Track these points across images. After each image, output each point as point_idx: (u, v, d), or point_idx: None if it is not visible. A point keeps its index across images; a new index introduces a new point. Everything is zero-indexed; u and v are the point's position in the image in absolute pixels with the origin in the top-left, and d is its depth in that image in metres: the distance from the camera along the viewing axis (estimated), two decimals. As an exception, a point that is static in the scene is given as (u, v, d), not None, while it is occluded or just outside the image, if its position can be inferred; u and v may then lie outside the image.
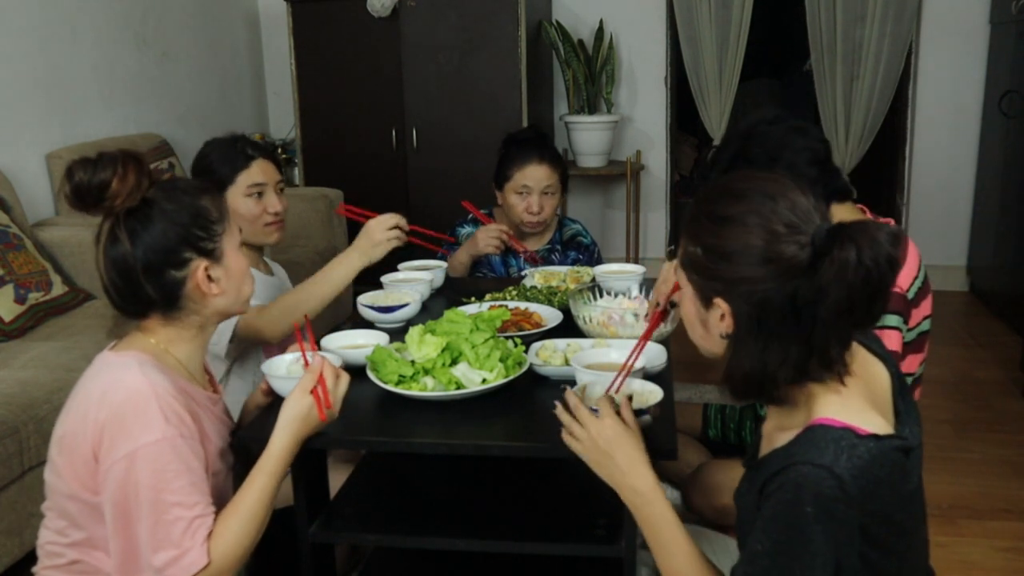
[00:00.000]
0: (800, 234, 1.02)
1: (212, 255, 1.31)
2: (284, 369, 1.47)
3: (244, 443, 1.40)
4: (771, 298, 1.02)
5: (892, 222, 1.73)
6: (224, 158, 2.04)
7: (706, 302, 1.09)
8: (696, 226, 1.10)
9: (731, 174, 1.15)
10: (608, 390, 1.32)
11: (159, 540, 1.18)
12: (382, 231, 1.89)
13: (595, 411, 1.22)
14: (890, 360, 1.18)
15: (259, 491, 1.25)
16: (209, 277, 1.30)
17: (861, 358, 1.13)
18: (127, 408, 1.19)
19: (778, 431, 1.13)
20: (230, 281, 1.33)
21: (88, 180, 1.21)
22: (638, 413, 1.25)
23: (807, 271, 1.00)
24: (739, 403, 1.14)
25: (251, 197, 2.01)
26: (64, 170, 1.24)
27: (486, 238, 2.38)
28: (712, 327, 1.10)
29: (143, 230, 1.26)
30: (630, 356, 1.36)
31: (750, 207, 1.04)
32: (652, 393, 1.33)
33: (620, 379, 1.32)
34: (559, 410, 1.26)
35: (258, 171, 2.04)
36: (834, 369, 1.05)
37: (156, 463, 1.18)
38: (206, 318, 1.34)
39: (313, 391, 1.29)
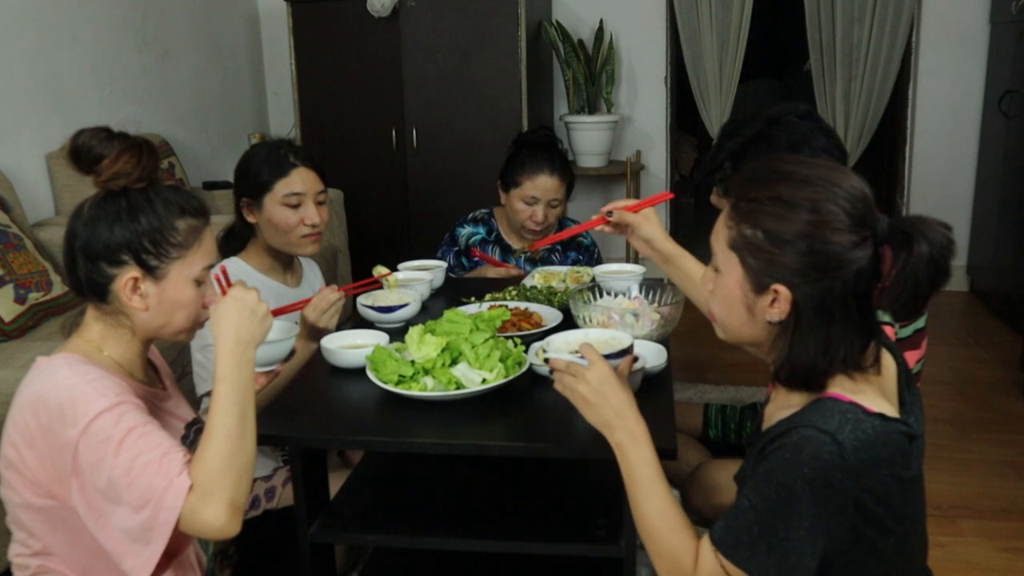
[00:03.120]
0: (865, 227, 1.03)
1: (151, 271, 1.27)
2: None
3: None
4: (835, 287, 1.03)
5: None
6: (265, 164, 1.97)
7: (759, 288, 1.08)
8: (755, 207, 1.07)
9: (784, 157, 1.13)
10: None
11: (138, 498, 1.14)
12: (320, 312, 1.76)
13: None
14: (896, 351, 1.19)
15: (222, 400, 1.21)
16: (137, 289, 1.27)
17: None
18: (63, 402, 1.18)
19: (780, 409, 1.14)
20: (161, 305, 1.29)
21: (88, 147, 1.26)
22: (614, 356, 1.28)
23: (872, 261, 1.02)
24: (791, 391, 1.13)
25: (288, 207, 1.94)
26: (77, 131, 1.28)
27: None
28: (760, 313, 1.09)
29: (102, 216, 1.26)
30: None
31: (818, 194, 1.04)
32: (618, 338, 1.37)
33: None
34: (552, 360, 1.27)
35: (298, 180, 1.97)
36: (872, 359, 1.07)
37: (105, 432, 1.15)
38: (135, 325, 1.31)
39: (222, 288, 1.31)
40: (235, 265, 1.99)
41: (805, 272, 1.03)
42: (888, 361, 1.16)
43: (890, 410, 1.06)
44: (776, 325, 1.08)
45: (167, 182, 1.33)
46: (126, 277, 1.26)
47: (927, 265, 0.98)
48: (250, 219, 2.00)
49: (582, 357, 1.24)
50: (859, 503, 1.01)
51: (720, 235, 1.13)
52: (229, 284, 1.32)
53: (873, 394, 1.07)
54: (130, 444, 1.15)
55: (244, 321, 1.27)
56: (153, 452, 1.15)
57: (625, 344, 1.35)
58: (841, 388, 1.06)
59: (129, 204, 1.26)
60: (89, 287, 1.28)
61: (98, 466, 1.15)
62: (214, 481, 1.15)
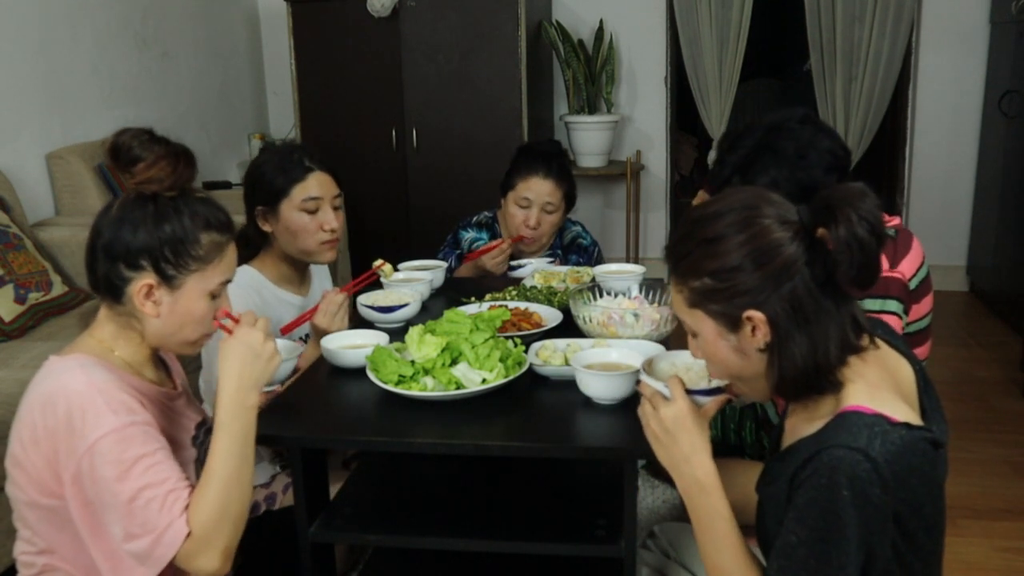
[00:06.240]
0: (790, 222, 1.06)
1: (168, 280, 1.27)
2: None
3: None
4: (798, 286, 1.04)
5: (899, 220, 1.74)
6: (279, 169, 1.91)
7: (733, 325, 1.09)
8: (691, 261, 1.10)
9: (694, 208, 1.16)
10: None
11: (137, 528, 1.15)
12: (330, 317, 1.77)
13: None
14: (914, 358, 1.18)
15: (221, 449, 1.22)
16: (151, 295, 1.27)
17: (886, 353, 1.14)
18: (72, 410, 1.18)
19: (803, 423, 1.13)
20: (172, 315, 1.29)
21: (128, 147, 1.26)
22: (714, 391, 1.22)
23: (813, 248, 1.04)
24: (795, 403, 1.14)
25: (305, 212, 1.90)
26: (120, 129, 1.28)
27: (493, 263, 2.35)
28: (747, 347, 1.09)
29: (128, 218, 1.26)
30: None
31: (736, 218, 1.07)
32: None
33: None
34: (641, 385, 1.24)
35: (315, 184, 1.92)
36: (864, 336, 1.07)
37: (112, 454, 1.16)
38: (145, 330, 1.31)
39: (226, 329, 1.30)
40: (248, 274, 1.96)
41: (764, 286, 1.05)
42: (905, 367, 1.15)
43: (912, 416, 1.05)
44: (766, 351, 1.09)
45: (198, 194, 1.33)
46: (142, 283, 1.26)
47: (861, 223, 0.99)
48: (265, 228, 1.96)
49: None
50: (897, 516, 1.01)
51: (678, 303, 1.14)
52: (235, 320, 1.32)
53: (892, 399, 1.06)
54: (137, 474, 1.16)
55: (247, 367, 1.27)
56: (159, 488, 1.17)
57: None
58: (859, 398, 1.05)
59: (156, 210, 1.26)
60: (105, 286, 1.28)
61: (99, 484, 1.16)
62: (210, 531, 1.17)
